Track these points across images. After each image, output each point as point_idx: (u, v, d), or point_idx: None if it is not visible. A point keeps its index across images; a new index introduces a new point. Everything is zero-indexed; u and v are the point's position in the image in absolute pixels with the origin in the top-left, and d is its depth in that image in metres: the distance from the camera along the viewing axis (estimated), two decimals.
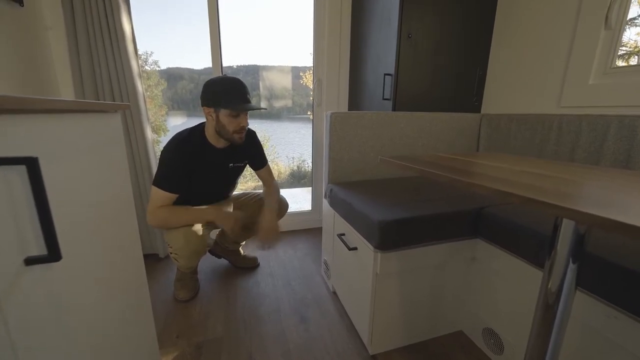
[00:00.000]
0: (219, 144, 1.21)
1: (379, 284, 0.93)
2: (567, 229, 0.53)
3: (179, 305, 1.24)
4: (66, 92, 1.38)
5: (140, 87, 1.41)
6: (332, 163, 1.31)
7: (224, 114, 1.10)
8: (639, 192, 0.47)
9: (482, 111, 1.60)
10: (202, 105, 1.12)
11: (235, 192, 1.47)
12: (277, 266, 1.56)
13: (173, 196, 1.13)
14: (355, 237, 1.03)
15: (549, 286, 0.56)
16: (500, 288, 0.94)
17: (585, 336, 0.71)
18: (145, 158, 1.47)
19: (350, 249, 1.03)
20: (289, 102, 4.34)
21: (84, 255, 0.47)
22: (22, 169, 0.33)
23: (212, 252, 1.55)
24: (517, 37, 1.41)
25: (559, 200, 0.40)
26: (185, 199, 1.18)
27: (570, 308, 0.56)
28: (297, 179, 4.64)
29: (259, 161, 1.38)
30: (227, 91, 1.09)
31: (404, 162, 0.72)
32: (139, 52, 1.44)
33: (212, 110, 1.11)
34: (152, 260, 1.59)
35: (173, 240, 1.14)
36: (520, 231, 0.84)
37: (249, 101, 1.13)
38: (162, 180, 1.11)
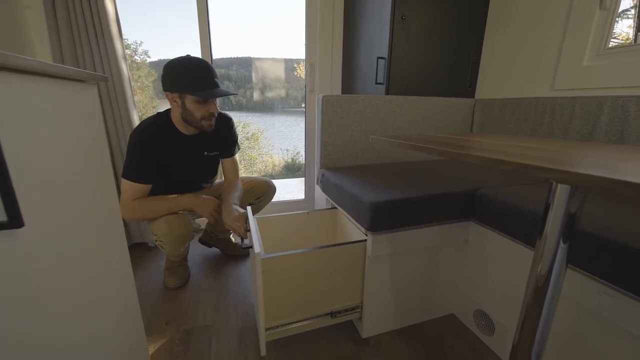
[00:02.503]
0: (189, 131, 1.12)
1: (370, 267, 0.92)
2: (558, 207, 0.51)
3: (168, 293, 1.22)
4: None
5: (125, 70, 1.36)
6: (324, 147, 1.28)
7: (190, 100, 1.01)
8: (632, 160, 0.46)
9: (476, 96, 1.58)
10: (165, 91, 1.02)
11: (218, 180, 1.42)
12: None
13: (145, 187, 1.07)
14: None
15: (540, 266, 0.55)
16: (492, 270, 0.93)
17: (577, 314, 0.70)
18: None
19: None
20: (282, 92, 4.28)
21: (54, 227, 0.44)
22: None
23: (202, 242, 1.52)
24: (511, 21, 1.39)
25: (552, 165, 0.38)
26: (162, 191, 1.12)
27: (560, 287, 0.55)
28: (291, 171, 4.61)
29: (226, 149, 1.25)
30: (192, 75, 0.99)
31: (396, 140, 0.70)
32: (128, 42, 1.39)
33: (176, 96, 1.01)
34: (142, 249, 1.56)
35: (156, 227, 1.10)
36: (512, 212, 0.83)
37: (217, 85, 1.04)
38: (131, 171, 1.04)
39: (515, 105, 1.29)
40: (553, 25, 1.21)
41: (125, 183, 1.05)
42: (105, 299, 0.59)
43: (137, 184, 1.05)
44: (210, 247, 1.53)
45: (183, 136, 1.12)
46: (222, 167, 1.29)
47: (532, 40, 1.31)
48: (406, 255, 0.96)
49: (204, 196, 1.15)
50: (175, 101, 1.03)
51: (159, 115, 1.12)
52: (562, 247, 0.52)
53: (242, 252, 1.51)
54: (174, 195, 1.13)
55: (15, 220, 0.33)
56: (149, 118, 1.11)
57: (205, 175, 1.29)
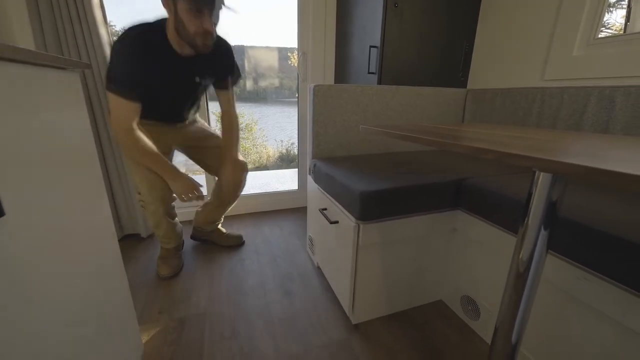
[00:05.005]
0: (184, 50, 1.00)
1: (360, 255, 0.93)
2: (540, 196, 0.53)
3: (161, 283, 1.22)
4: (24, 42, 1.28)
5: None
6: (316, 137, 1.28)
7: (182, 7, 0.89)
8: (612, 149, 0.47)
9: (468, 86, 1.58)
10: None
11: (198, 126, 1.31)
12: (262, 244, 1.56)
13: (136, 107, 0.96)
14: (337, 210, 1.02)
15: (522, 251, 0.57)
16: (479, 257, 0.96)
17: (558, 298, 0.73)
18: None
19: (331, 222, 1.02)
20: (275, 82, 4.22)
21: (36, 216, 0.44)
22: None
23: (193, 238, 1.52)
24: (504, 11, 1.38)
25: (533, 154, 0.39)
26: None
27: (540, 272, 0.57)
28: (285, 162, 4.59)
29: (222, 75, 1.15)
30: None
31: (385, 129, 0.70)
32: (116, 28, 1.34)
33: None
34: (135, 240, 1.56)
35: (139, 185, 1.12)
36: (498, 201, 0.85)
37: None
38: (118, 83, 0.91)
39: (506, 95, 1.30)
40: (545, 14, 1.21)
41: (113, 99, 0.92)
42: (95, 289, 0.60)
43: (128, 102, 0.93)
44: (204, 241, 1.53)
45: (175, 55, 1.00)
46: (218, 97, 1.20)
47: (523, 29, 1.31)
48: (396, 244, 0.97)
49: (187, 176, 1.11)
50: (168, 5, 0.91)
51: (152, 25, 0.97)
52: (543, 234, 0.54)
53: (236, 242, 1.52)
54: (161, 156, 1.06)
55: None
56: (141, 25, 0.96)
57: (188, 105, 1.18)
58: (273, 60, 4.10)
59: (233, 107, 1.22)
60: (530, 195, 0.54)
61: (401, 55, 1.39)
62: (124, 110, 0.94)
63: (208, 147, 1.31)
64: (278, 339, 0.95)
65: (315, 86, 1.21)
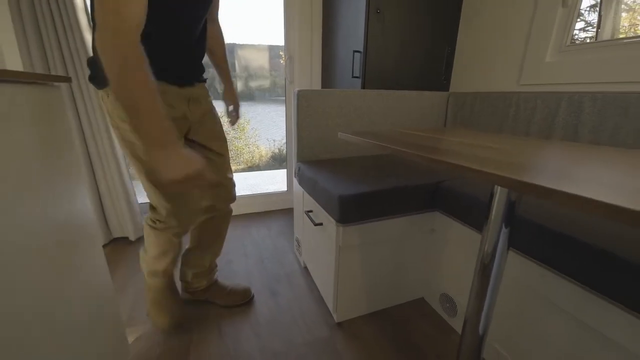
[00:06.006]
0: None
1: (342, 256, 0.97)
2: (501, 196, 0.57)
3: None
4: (13, 63, 1.28)
5: None
6: (300, 141, 1.31)
7: None
8: (583, 164, 0.51)
9: (451, 89, 1.63)
10: None
11: (219, 121, 0.95)
12: (250, 245, 1.58)
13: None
14: (320, 212, 1.05)
15: (485, 248, 0.61)
16: (456, 256, 1.00)
17: (523, 293, 0.77)
18: (109, 145, 1.41)
19: (315, 224, 1.05)
20: (268, 80, 4.21)
21: (12, 228, 0.46)
22: None
23: (186, 299, 1.11)
24: (483, 16, 1.42)
25: (497, 170, 0.42)
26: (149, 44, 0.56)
27: (503, 267, 0.61)
28: (278, 161, 4.60)
29: None
30: None
31: (361, 137, 0.73)
32: None
33: None
34: (123, 244, 1.57)
35: (156, 198, 0.81)
36: (471, 203, 0.89)
37: None
38: None
39: (485, 99, 1.34)
40: (520, 20, 1.25)
41: None
42: (79, 296, 0.62)
43: None
44: (203, 300, 1.13)
45: None
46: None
47: (502, 34, 1.35)
48: (376, 244, 1.01)
49: (187, 152, 0.60)
50: None
51: None
52: (504, 232, 0.58)
53: (243, 299, 1.13)
54: (165, 116, 0.58)
55: None
56: None
57: (203, 37, 0.83)
58: (265, 58, 4.09)
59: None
60: (492, 195, 0.58)
61: (384, 59, 1.42)
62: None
63: (224, 156, 0.97)
64: (263, 338, 0.98)
65: (299, 91, 1.24)
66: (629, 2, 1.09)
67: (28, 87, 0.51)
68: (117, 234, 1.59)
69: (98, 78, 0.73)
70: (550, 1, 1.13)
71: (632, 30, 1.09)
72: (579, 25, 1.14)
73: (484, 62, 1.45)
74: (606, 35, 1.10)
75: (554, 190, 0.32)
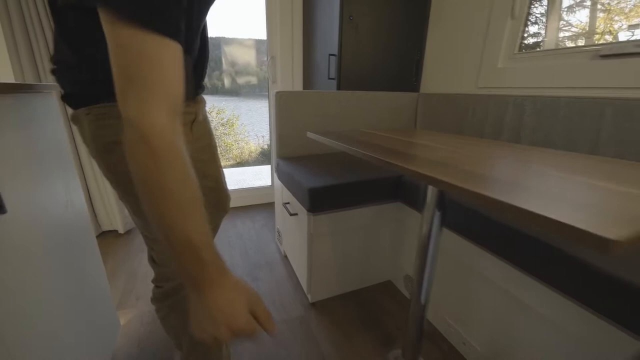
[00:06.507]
0: None
1: (314, 242, 1.08)
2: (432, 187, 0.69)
3: (139, 275, 1.33)
4: (5, 74, 1.33)
5: None
6: (279, 139, 1.41)
7: None
8: (531, 178, 0.63)
9: (421, 90, 1.75)
10: None
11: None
12: (235, 237, 1.68)
13: (179, 52, 0.38)
14: (296, 204, 1.16)
15: (423, 230, 0.73)
16: (416, 242, 1.13)
17: (463, 272, 0.91)
18: None
19: (291, 214, 1.16)
20: (256, 76, 4.26)
21: (27, 213, 0.56)
22: None
23: None
24: (448, 23, 1.54)
25: (415, 165, 0.54)
26: None
27: (438, 245, 0.73)
28: (267, 157, 4.67)
29: None
30: None
31: (326, 137, 0.84)
32: None
33: None
34: (112, 237, 1.65)
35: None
36: (424, 193, 1.01)
37: None
38: (156, 5, 0.34)
39: (449, 100, 1.47)
40: (478, 28, 1.38)
41: (146, 45, 0.34)
42: (75, 285, 0.71)
43: (176, 46, 0.37)
44: None
45: None
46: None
47: (463, 40, 1.47)
48: (345, 232, 1.13)
49: (244, 283, 0.44)
50: None
51: None
52: (437, 214, 0.70)
53: None
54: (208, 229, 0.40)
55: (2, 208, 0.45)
56: None
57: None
58: (251, 54, 4.13)
59: None
60: (426, 185, 0.70)
61: (358, 62, 1.53)
62: (171, 66, 0.37)
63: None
64: None
65: (277, 93, 1.34)
66: (605, 3, 1.10)
67: (21, 95, 0.60)
68: (106, 227, 1.66)
69: (73, 95, 0.50)
70: (501, 13, 1.26)
71: (608, 29, 1.11)
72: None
73: (449, 65, 1.57)
74: (549, 44, 1.23)
75: (462, 188, 0.43)
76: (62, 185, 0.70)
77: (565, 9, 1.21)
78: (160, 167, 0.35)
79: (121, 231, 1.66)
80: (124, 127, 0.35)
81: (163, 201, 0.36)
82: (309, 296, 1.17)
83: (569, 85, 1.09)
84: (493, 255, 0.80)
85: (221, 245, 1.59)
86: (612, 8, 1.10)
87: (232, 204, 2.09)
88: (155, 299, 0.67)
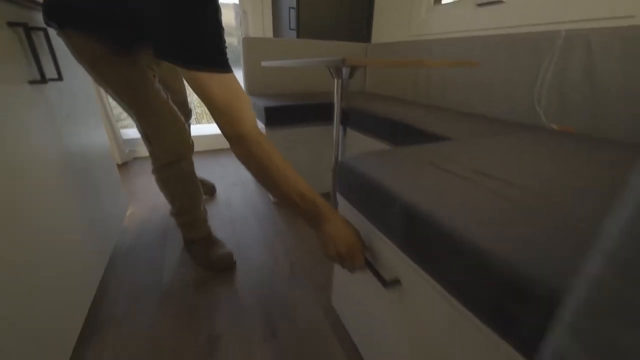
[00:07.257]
0: None
1: None
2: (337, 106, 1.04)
3: (137, 195, 1.68)
4: None
5: None
6: (247, 78, 1.71)
7: None
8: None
9: (372, 41, 2.04)
10: None
11: None
12: (219, 169, 2.03)
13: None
14: (262, 127, 1.49)
15: (334, 135, 1.09)
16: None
17: None
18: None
19: None
20: (235, 40, 4.37)
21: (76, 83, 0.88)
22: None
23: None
24: None
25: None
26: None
27: (345, 140, 1.10)
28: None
29: None
30: None
31: (275, 61, 1.16)
32: None
33: None
34: None
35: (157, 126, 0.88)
36: (363, 117, 1.36)
37: None
38: (222, 55, 0.58)
39: (389, 48, 1.78)
40: None
41: (230, 83, 0.58)
42: (87, 160, 1.05)
43: (233, 77, 0.60)
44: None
45: None
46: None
47: None
48: (297, 144, 1.47)
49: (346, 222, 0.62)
50: None
51: None
52: (341, 128, 1.06)
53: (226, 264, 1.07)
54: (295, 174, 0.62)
55: (60, 76, 0.77)
56: None
57: None
58: (229, 17, 4.21)
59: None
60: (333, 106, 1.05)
61: (315, 14, 1.80)
62: (243, 94, 0.60)
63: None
64: (223, 214, 1.47)
65: (244, 38, 1.62)
66: None
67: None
68: None
69: (58, 16, 0.69)
70: None
71: None
72: None
73: (392, 15, 1.85)
74: None
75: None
76: (87, 121, 1.01)
77: None
78: (271, 157, 0.59)
79: (119, 162, 1.97)
80: (232, 143, 0.60)
81: (279, 177, 0.59)
82: (270, 197, 1.54)
83: (460, 29, 1.41)
84: (383, 143, 1.17)
85: (204, 174, 1.93)
86: None
87: (214, 147, 2.40)
88: (154, 171, 0.99)
